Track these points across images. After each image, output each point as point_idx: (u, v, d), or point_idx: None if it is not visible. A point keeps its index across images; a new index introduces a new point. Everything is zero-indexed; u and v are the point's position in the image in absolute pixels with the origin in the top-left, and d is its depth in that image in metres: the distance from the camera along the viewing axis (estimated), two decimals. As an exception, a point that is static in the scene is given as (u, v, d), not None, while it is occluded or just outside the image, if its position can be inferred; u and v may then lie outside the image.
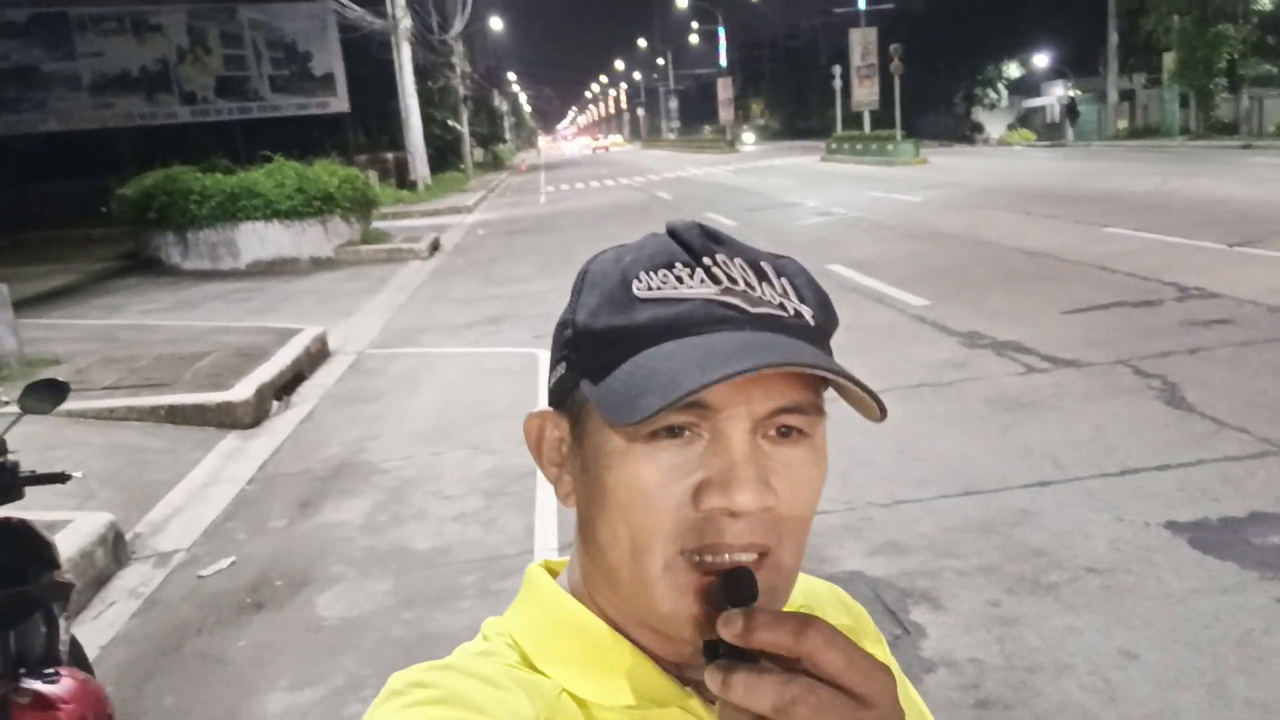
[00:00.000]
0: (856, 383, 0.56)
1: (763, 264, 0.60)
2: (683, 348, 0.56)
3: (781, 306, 0.58)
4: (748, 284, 0.58)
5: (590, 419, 0.60)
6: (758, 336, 0.56)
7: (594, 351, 0.59)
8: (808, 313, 0.59)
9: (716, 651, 0.50)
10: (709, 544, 0.56)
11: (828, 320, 0.61)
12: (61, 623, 2.32)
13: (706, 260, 0.58)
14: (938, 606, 3.28)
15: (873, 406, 0.58)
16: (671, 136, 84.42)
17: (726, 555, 0.56)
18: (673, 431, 0.56)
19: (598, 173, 39.37)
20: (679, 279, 0.58)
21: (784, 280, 0.60)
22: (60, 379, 2.39)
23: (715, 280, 0.58)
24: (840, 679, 0.46)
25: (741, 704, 0.46)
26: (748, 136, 66.01)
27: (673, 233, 0.61)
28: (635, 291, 0.58)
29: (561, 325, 0.63)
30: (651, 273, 0.58)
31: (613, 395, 0.57)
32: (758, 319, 0.57)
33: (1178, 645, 2.93)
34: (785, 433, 0.58)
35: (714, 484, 0.55)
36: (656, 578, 0.57)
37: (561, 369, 0.62)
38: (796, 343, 0.57)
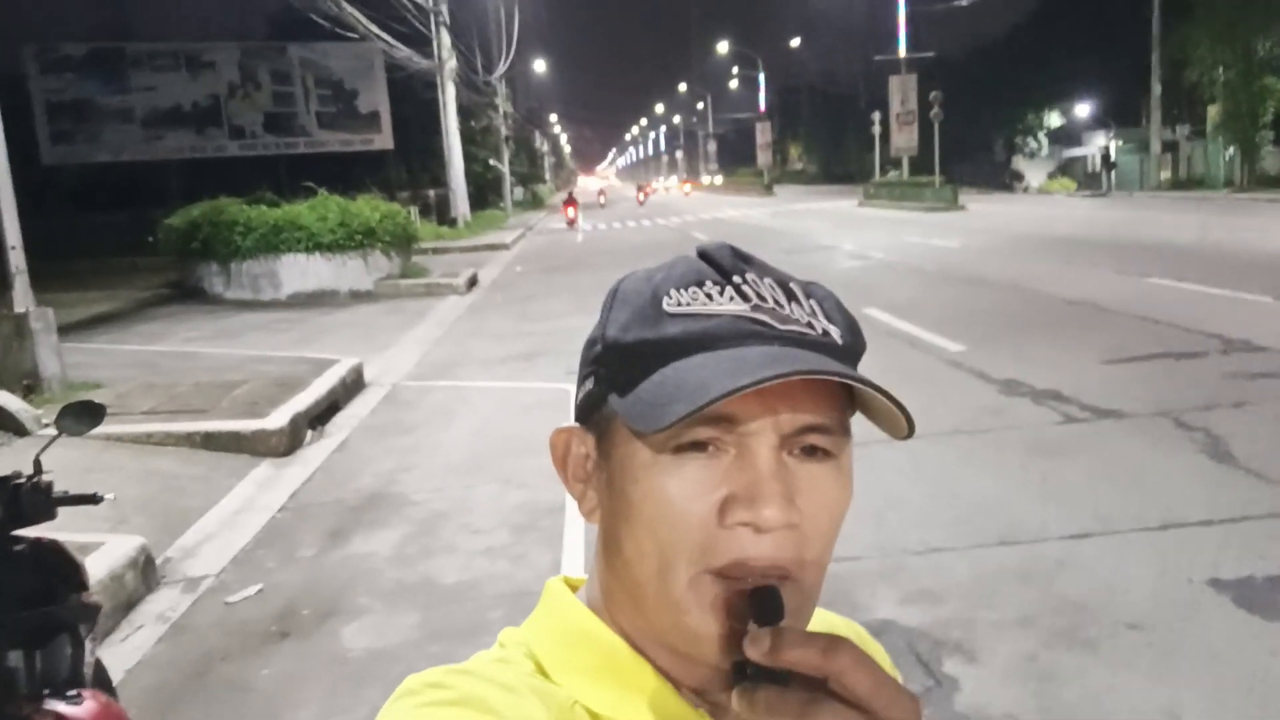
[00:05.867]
0: (886, 394, 0.56)
1: (791, 285, 0.60)
2: (711, 359, 0.56)
3: (810, 325, 0.59)
4: (776, 302, 0.59)
5: (617, 433, 0.60)
6: (786, 350, 0.57)
7: (622, 365, 0.59)
8: (835, 332, 0.60)
9: (744, 672, 0.49)
10: (733, 562, 0.56)
11: (855, 341, 0.61)
12: (87, 644, 2.31)
13: (736, 279, 0.59)
14: (972, 658, 3.20)
15: (900, 422, 0.58)
16: (717, 180, 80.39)
17: (750, 578, 0.56)
18: (698, 446, 0.56)
19: (634, 213, 39.63)
20: (709, 296, 0.59)
21: (812, 302, 0.60)
22: (96, 401, 2.41)
23: (745, 298, 0.59)
24: (867, 702, 0.45)
25: None
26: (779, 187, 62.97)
27: (703, 254, 0.62)
28: (665, 307, 0.59)
29: (590, 343, 0.64)
30: (682, 290, 0.59)
31: (640, 405, 0.57)
32: (786, 336, 0.58)
33: (1222, 708, 2.83)
34: (811, 452, 0.58)
35: (739, 499, 0.55)
36: (682, 595, 0.57)
37: (590, 384, 0.63)
38: (824, 358, 0.57)
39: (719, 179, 74.40)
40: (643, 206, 44.23)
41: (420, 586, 4.15)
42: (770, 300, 0.59)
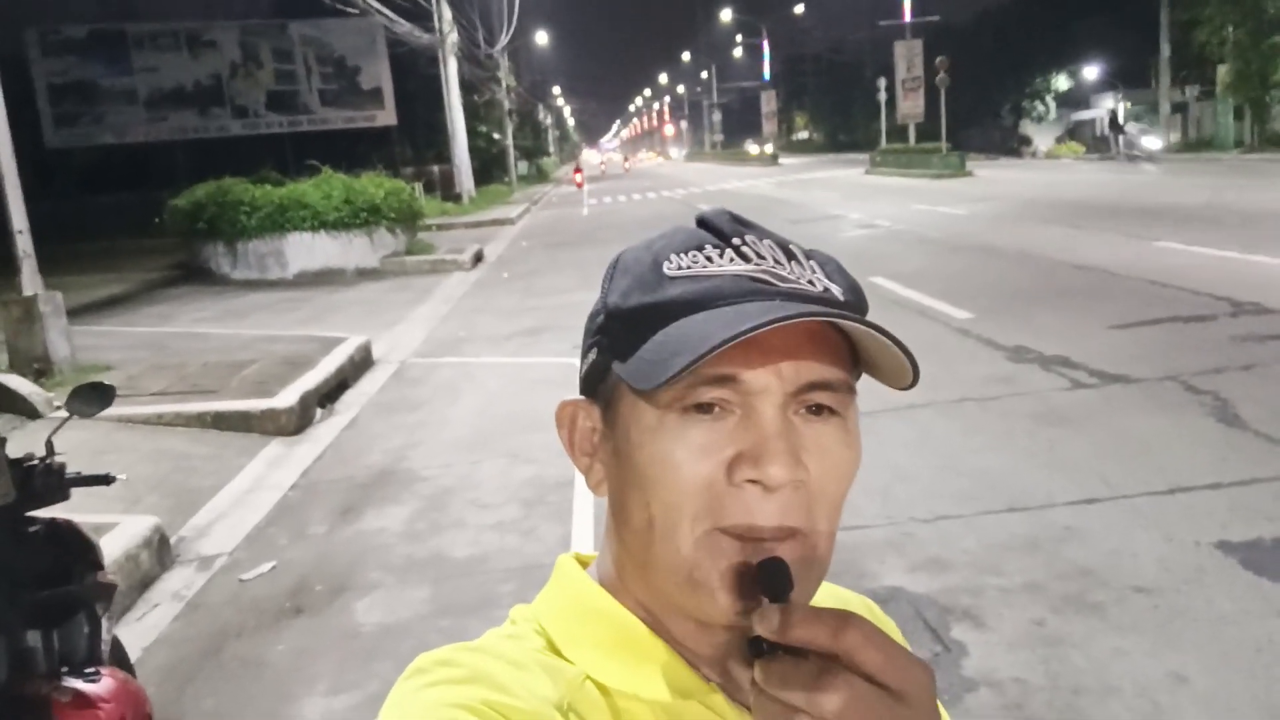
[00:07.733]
0: (889, 335, 0.56)
1: (791, 246, 0.61)
2: (713, 315, 0.56)
3: (810, 283, 0.59)
4: (776, 261, 0.59)
5: (622, 401, 0.60)
6: (788, 304, 0.56)
7: (625, 331, 0.59)
8: (836, 290, 0.60)
9: (760, 647, 0.49)
10: (741, 523, 0.56)
11: (858, 301, 0.61)
12: (104, 623, 2.35)
13: (736, 240, 0.60)
14: (980, 624, 3.22)
15: (905, 370, 0.58)
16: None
17: (758, 537, 0.55)
18: (703, 408, 0.56)
19: (639, 185, 39.52)
20: (709, 258, 0.59)
21: (813, 262, 0.61)
22: (106, 383, 2.43)
23: (745, 258, 0.59)
24: (879, 676, 0.45)
25: (776, 694, 0.46)
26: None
27: (702, 221, 0.62)
28: (666, 271, 0.59)
29: (593, 315, 0.64)
30: (682, 254, 0.59)
31: (643, 364, 0.57)
32: (788, 293, 0.58)
33: (1229, 669, 2.84)
34: (817, 410, 0.58)
35: (745, 457, 0.55)
36: (687, 557, 0.57)
37: (593, 355, 0.63)
38: (827, 309, 0.57)
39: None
40: (629, 175, 54.23)
41: (430, 562, 4.18)
42: (770, 259, 0.59)
